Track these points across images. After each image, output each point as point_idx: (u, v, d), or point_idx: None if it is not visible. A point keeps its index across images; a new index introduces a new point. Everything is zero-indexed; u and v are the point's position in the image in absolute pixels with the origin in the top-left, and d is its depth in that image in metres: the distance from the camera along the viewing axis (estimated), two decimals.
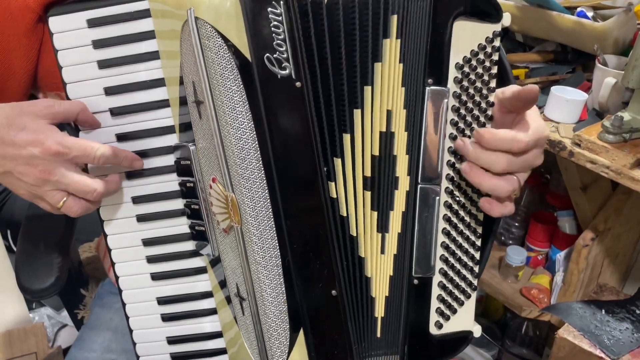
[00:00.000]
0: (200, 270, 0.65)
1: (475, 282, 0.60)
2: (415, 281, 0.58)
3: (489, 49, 0.52)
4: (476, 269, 0.60)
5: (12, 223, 1.44)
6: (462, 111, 0.54)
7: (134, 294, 0.67)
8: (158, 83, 0.60)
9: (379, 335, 0.60)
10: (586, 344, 0.98)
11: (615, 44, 1.01)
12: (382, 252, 0.58)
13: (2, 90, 0.67)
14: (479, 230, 0.58)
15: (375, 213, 0.56)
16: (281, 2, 0.47)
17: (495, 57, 0.53)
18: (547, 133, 0.55)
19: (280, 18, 0.47)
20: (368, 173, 0.55)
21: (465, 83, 0.53)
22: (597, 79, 0.99)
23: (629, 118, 0.91)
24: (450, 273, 0.59)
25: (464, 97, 0.53)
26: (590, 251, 1.06)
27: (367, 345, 0.60)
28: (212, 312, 0.67)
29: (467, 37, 0.52)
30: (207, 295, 0.66)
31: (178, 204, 0.62)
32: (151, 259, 0.65)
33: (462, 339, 0.61)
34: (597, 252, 1.09)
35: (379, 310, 0.59)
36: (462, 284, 0.60)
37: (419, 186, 0.56)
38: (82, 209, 0.57)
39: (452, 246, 0.58)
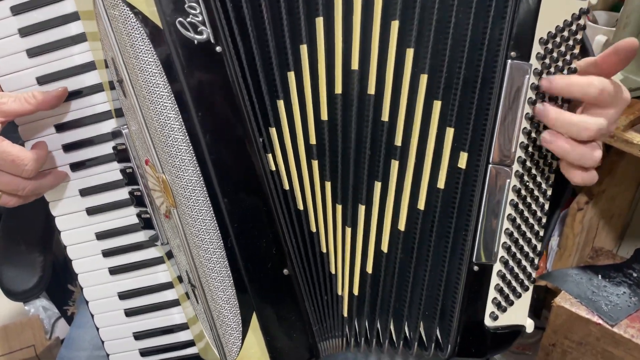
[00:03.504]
0: (160, 261, 0.62)
1: (534, 274, 0.56)
2: (476, 268, 0.54)
3: (574, 27, 0.49)
4: (537, 260, 0.56)
5: None
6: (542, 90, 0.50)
7: (94, 290, 0.65)
8: (92, 65, 0.57)
9: (345, 314, 0.56)
10: (583, 310, 0.95)
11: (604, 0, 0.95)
12: (347, 224, 0.54)
13: None
14: (544, 220, 0.54)
15: (329, 184, 0.52)
16: None
17: (580, 35, 0.49)
18: (626, 95, 0.50)
19: None
20: (313, 141, 0.51)
21: (546, 60, 0.49)
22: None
23: (621, 78, 0.86)
24: (512, 263, 0.55)
25: (544, 76, 0.49)
26: (585, 215, 1.03)
27: (330, 324, 0.56)
28: (178, 302, 0.64)
29: (555, 10, 0.48)
30: (170, 285, 0.63)
31: (125, 193, 0.60)
32: (107, 253, 0.62)
33: (514, 333, 0.57)
34: (591, 215, 1.05)
35: (343, 288, 0.56)
36: (522, 275, 0.55)
37: (489, 166, 0.51)
38: (19, 202, 0.56)
39: (516, 234, 0.54)
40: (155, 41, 0.44)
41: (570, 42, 0.49)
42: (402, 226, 0.55)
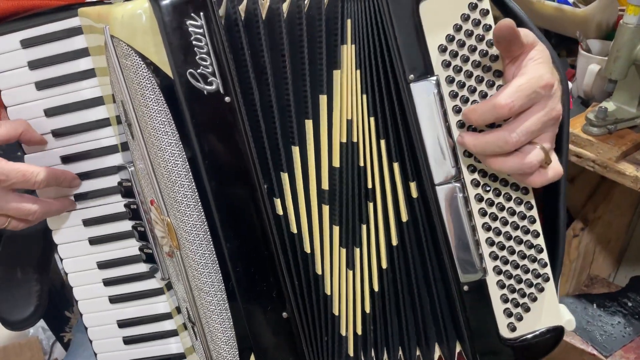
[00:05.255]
0: (159, 292, 0.63)
1: (545, 270, 0.54)
2: (466, 287, 0.53)
3: (475, 16, 0.47)
4: (542, 256, 0.53)
5: None
6: (464, 93, 0.49)
7: (94, 317, 0.65)
8: (100, 101, 0.57)
9: (351, 353, 0.57)
10: (578, 341, 0.96)
11: (598, 28, 0.96)
12: (351, 267, 0.55)
13: None
14: (531, 213, 0.52)
15: (337, 228, 0.53)
16: (201, 13, 0.44)
17: (487, 20, 0.47)
18: (546, 81, 0.46)
19: (201, 30, 0.44)
20: (326, 186, 0.52)
21: (457, 63, 0.48)
22: (580, 66, 0.95)
23: (613, 108, 0.87)
24: (509, 269, 0.53)
25: (461, 79, 0.49)
26: (581, 241, 1.04)
27: None
28: (176, 332, 0.65)
29: (443, 13, 0.47)
30: (169, 316, 0.64)
31: (128, 225, 0.60)
32: (107, 282, 0.63)
33: (553, 337, 0.55)
34: (588, 240, 1.06)
35: (347, 328, 0.56)
36: (528, 277, 0.54)
37: (436, 188, 0.51)
38: (26, 225, 0.58)
39: (502, 240, 0.53)
40: (165, 91, 0.45)
41: (479, 32, 0.47)
42: (384, 264, 0.55)
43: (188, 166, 0.47)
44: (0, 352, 1.35)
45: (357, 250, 0.55)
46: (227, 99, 0.46)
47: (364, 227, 0.54)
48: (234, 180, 0.48)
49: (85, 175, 0.59)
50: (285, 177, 0.51)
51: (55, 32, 0.56)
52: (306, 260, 0.53)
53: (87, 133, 0.58)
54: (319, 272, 0.54)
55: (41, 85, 0.57)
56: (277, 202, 0.51)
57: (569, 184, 1.06)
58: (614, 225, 1.15)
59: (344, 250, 0.54)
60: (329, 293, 0.55)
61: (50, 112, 0.58)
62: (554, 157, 0.49)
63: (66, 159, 0.59)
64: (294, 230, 0.52)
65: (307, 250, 0.53)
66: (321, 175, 0.52)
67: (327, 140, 0.52)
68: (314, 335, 0.55)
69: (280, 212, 0.51)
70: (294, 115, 0.50)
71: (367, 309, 0.57)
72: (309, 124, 0.51)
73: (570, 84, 0.96)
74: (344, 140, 0.51)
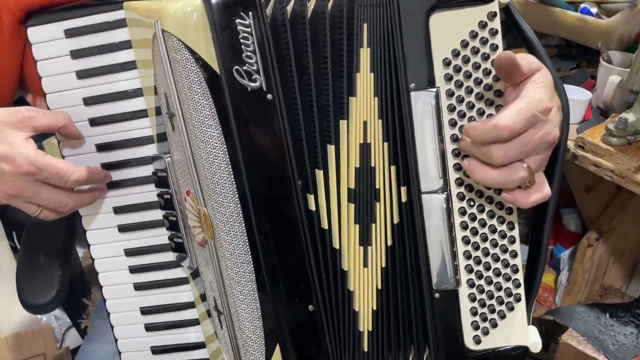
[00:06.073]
0: (184, 281, 0.65)
1: (518, 291, 0.55)
2: (437, 295, 0.55)
3: (484, 35, 0.48)
4: (517, 276, 0.55)
5: (17, 224, 1.45)
6: (462, 108, 0.50)
7: (117, 303, 0.67)
8: (137, 92, 0.59)
9: (365, 349, 0.58)
10: (590, 349, 0.96)
11: (620, 40, 0.98)
12: (365, 265, 0.56)
13: None
14: (512, 233, 0.54)
15: (357, 226, 0.55)
16: (250, 13, 0.45)
17: (495, 40, 0.48)
18: (545, 106, 0.47)
19: (249, 29, 0.46)
20: (352, 185, 0.53)
21: (459, 78, 0.49)
22: (601, 77, 0.96)
23: (633, 119, 0.87)
24: (482, 284, 0.55)
25: (461, 94, 0.50)
26: (595, 251, 1.04)
27: (351, 359, 0.58)
28: (196, 322, 0.66)
29: (452, 28, 0.48)
30: (191, 305, 0.66)
31: (159, 214, 0.62)
32: (133, 269, 0.65)
33: (516, 355, 0.57)
34: (602, 251, 1.07)
35: (365, 324, 0.58)
36: (500, 295, 0.55)
37: (422, 196, 0.53)
38: (57, 217, 0.58)
39: (479, 255, 0.54)
40: (212, 85, 0.46)
41: (485, 51, 0.48)
42: (384, 262, 0.57)
43: (228, 159, 0.48)
44: (13, 339, 1.36)
45: (369, 249, 0.56)
46: (269, 96, 0.47)
47: (373, 226, 0.55)
48: (270, 174, 0.50)
49: (118, 165, 0.61)
50: (320, 174, 0.52)
51: (98, 23, 0.57)
52: (334, 256, 0.54)
53: (123, 123, 0.60)
54: (345, 268, 0.55)
55: (82, 74, 0.59)
56: (311, 198, 0.52)
57: (586, 193, 1.07)
58: (629, 237, 1.15)
59: (361, 249, 0.56)
60: (352, 289, 0.56)
61: (89, 101, 0.60)
62: (542, 179, 0.50)
63: (101, 147, 0.61)
64: (325, 226, 0.54)
65: (336, 246, 0.54)
66: (348, 174, 0.54)
67: (354, 140, 0.53)
68: (337, 329, 0.57)
69: (312, 207, 0.53)
70: (332, 116, 0.51)
71: (375, 306, 0.58)
72: (343, 124, 0.52)
73: (589, 94, 0.97)
74: (362, 141, 0.53)
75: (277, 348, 0.53)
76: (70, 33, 0.58)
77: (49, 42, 0.59)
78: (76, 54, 0.58)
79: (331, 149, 0.52)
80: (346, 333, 0.57)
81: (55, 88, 0.60)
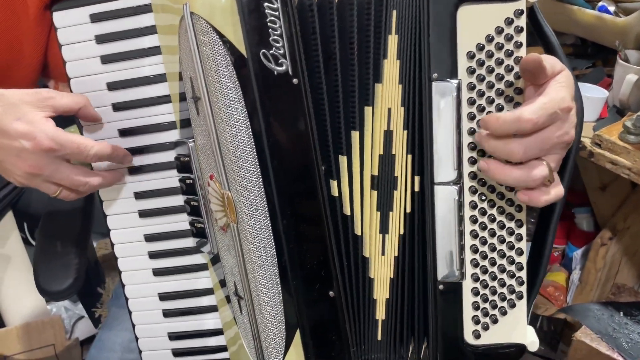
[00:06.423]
0: (202, 267, 0.65)
1: (521, 289, 0.56)
2: (441, 287, 0.55)
3: (509, 31, 0.48)
4: (520, 274, 0.55)
5: (28, 215, 1.46)
6: (482, 103, 0.50)
7: (136, 289, 0.67)
8: (161, 78, 0.59)
9: (379, 338, 0.59)
10: (604, 347, 0.96)
11: (637, 39, 0.97)
12: (383, 253, 0.56)
13: (10, 73, 0.67)
14: (519, 230, 0.54)
15: (379, 213, 0.55)
16: None
17: (520, 38, 0.48)
18: (567, 104, 0.47)
19: (277, 13, 0.46)
20: (375, 172, 0.54)
21: (481, 72, 0.49)
22: (618, 76, 0.96)
23: None
24: (486, 279, 0.55)
25: (482, 88, 0.50)
26: (608, 250, 1.04)
27: (367, 347, 0.59)
28: (214, 309, 0.66)
29: (479, 22, 0.48)
30: (209, 292, 0.66)
31: (179, 200, 0.62)
32: (153, 255, 0.65)
33: (513, 352, 0.57)
34: (615, 250, 1.06)
35: (380, 313, 0.58)
36: (503, 291, 0.56)
37: (435, 187, 0.53)
38: (77, 197, 0.58)
39: (485, 250, 0.54)
40: (238, 69, 0.47)
41: (509, 47, 0.48)
42: (396, 252, 0.57)
43: (253, 142, 0.49)
44: (23, 329, 1.37)
45: (387, 237, 0.56)
46: (294, 80, 0.48)
47: (391, 214, 0.55)
48: (294, 159, 0.50)
49: (140, 150, 0.61)
50: (343, 160, 0.52)
51: (124, 8, 0.58)
52: (356, 243, 0.55)
53: (146, 108, 0.60)
54: (367, 255, 0.55)
55: (106, 59, 0.59)
56: (334, 183, 0.53)
57: (601, 191, 1.06)
58: None
59: (380, 236, 0.56)
60: (372, 276, 0.57)
61: (112, 86, 0.60)
62: (557, 179, 0.50)
63: (124, 132, 0.61)
64: (347, 212, 0.54)
65: (358, 233, 0.54)
66: (372, 161, 0.54)
67: (379, 127, 0.53)
68: (357, 316, 0.57)
69: (335, 193, 0.53)
70: (357, 102, 0.52)
71: (388, 295, 0.58)
72: (368, 110, 0.52)
73: (606, 92, 0.97)
74: (385, 128, 0.53)
75: (297, 333, 0.54)
76: (95, 18, 0.58)
77: (74, 26, 0.59)
78: (101, 39, 0.59)
79: (355, 135, 0.52)
80: (365, 321, 0.58)
81: (80, 73, 0.60)
